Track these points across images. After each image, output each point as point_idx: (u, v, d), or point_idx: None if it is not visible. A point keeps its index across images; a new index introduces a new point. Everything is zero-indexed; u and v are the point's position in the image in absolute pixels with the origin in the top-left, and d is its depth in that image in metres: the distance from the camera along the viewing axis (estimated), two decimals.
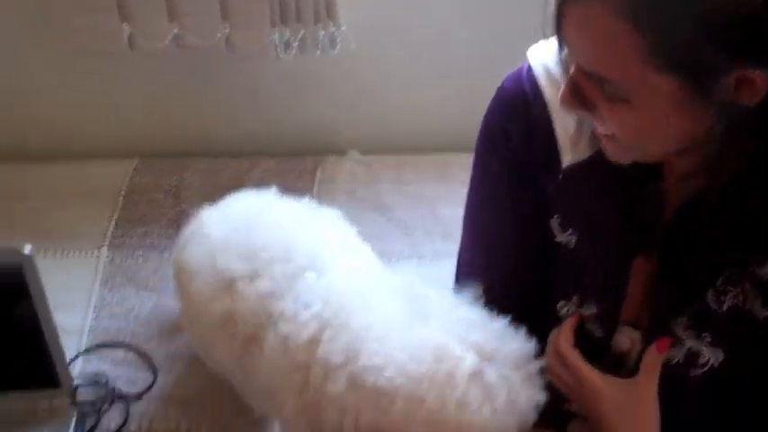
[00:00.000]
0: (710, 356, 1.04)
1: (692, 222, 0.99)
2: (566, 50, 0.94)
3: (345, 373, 1.09)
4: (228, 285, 1.26)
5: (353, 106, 2.12)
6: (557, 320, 1.15)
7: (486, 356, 1.06)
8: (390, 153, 2.11)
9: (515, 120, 1.11)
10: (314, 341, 1.13)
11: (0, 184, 2.03)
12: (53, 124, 2.14)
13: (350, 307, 1.15)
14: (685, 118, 0.88)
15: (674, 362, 1.06)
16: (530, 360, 1.08)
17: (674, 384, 1.07)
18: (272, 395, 1.22)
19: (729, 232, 0.96)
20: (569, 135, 1.06)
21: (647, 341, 1.06)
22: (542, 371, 1.08)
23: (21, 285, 1.37)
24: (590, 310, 1.13)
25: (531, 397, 1.07)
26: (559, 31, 0.90)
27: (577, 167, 1.06)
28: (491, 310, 1.13)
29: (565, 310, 1.15)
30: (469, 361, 1.05)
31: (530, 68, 1.09)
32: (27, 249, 1.35)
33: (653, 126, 0.90)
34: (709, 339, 1.03)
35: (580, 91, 0.92)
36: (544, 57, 1.08)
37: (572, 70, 0.92)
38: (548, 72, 1.07)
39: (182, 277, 1.39)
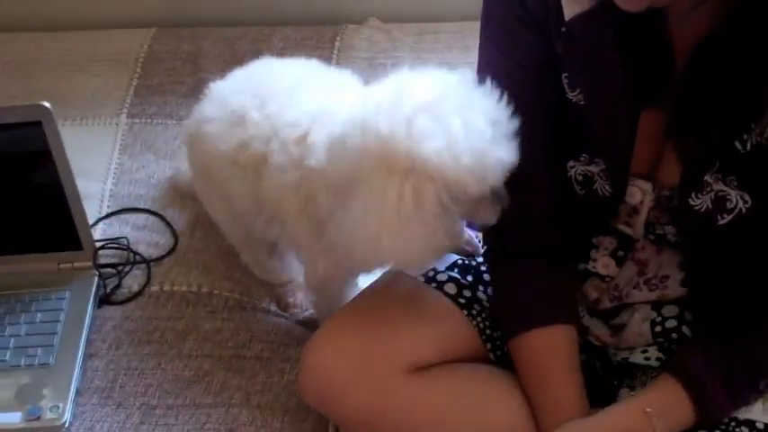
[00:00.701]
0: (738, 201, 1.03)
1: (707, 65, 0.97)
2: None
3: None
4: (241, 119, 1.29)
5: None
6: (567, 179, 1.15)
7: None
8: (410, 21, 2.08)
9: None
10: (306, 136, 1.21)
11: (19, 53, 2.02)
12: None
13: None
14: None
15: (703, 209, 1.05)
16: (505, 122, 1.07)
17: (701, 235, 1.07)
18: (280, 209, 1.27)
19: (751, 69, 0.94)
20: None
21: (682, 195, 1.06)
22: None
23: (41, 141, 1.38)
24: (599, 167, 1.12)
25: (498, 155, 1.06)
26: None
27: (580, 19, 1.04)
28: None
29: (573, 169, 1.15)
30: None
31: None
32: (46, 104, 1.36)
33: None
34: (735, 182, 1.02)
35: None
36: None
37: None
38: None
39: (198, 132, 1.39)
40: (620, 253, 1.19)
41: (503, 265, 1.24)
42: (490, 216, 1.14)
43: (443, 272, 1.29)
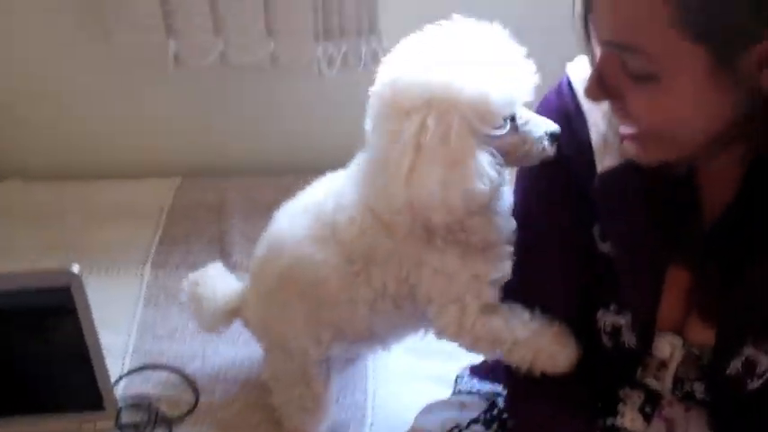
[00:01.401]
0: None
1: (737, 225, 0.98)
2: (592, 41, 0.94)
3: None
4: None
5: None
6: (596, 330, 1.14)
7: None
8: None
9: (561, 127, 1.11)
10: None
11: (46, 202, 2.06)
12: (98, 143, 2.17)
13: None
14: (711, 98, 0.86)
15: (733, 372, 1.04)
16: None
17: (731, 398, 1.06)
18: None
19: None
20: (604, 141, 1.06)
21: (718, 359, 1.05)
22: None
23: (69, 305, 1.39)
24: (626, 319, 1.11)
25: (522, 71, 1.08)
26: (587, 12, 0.91)
27: (611, 174, 1.05)
28: None
29: (603, 320, 1.13)
30: None
31: (569, 81, 1.10)
32: (75, 269, 1.37)
33: (680, 105, 0.88)
34: (765, 347, 1.01)
35: (605, 79, 0.92)
36: (581, 71, 1.08)
37: (597, 57, 0.92)
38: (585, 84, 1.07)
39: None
40: (648, 409, 1.17)
41: (523, 413, 1.23)
42: (532, 154, 1.11)
43: (467, 428, 1.28)
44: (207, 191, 2.06)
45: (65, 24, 1.99)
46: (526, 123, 1.10)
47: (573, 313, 1.17)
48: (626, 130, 0.97)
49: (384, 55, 1.77)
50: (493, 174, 1.08)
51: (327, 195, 1.30)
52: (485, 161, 1.07)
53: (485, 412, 1.31)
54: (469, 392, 1.37)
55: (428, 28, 1.12)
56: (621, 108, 0.93)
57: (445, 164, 1.05)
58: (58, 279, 1.38)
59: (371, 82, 1.98)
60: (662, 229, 1.04)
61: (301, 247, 1.29)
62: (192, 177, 2.12)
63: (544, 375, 1.18)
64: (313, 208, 1.32)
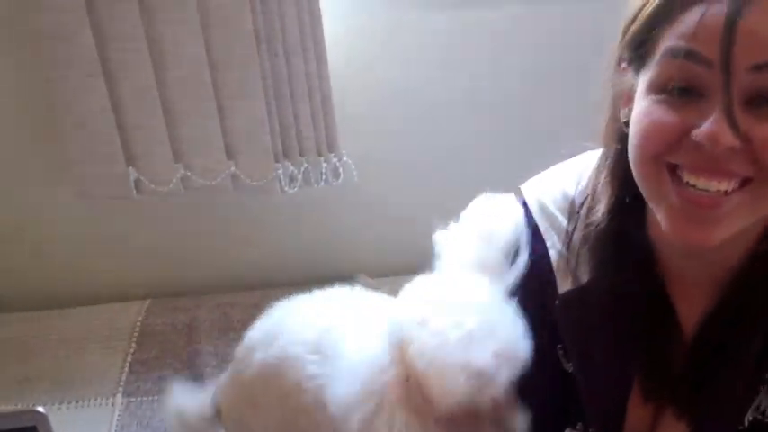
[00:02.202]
0: None
1: (717, 332, 0.99)
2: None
3: None
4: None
5: (357, 231, 2.16)
6: None
7: None
8: (398, 274, 2.13)
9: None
10: None
11: (16, 332, 2.06)
12: (66, 269, 2.19)
13: None
14: None
15: None
16: None
17: None
18: None
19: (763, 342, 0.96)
20: (565, 262, 1.07)
21: None
22: None
23: None
24: None
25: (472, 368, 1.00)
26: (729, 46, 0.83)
27: (573, 294, 1.06)
28: None
29: None
30: None
31: (524, 202, 1.12)
32: (40, 409, 1.36)
33: None
34: None
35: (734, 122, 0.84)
36: (537, 192, 1.10)
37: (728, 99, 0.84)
38: (541, 206, 1.10)
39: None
40: None
41: None
42: None
43: None
44: (177, 311, 2.07)
45: (24, 155, 2.03)
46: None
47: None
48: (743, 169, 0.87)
49: (343, 170, 1.84)
50: None
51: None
52: None
53: None
54: None
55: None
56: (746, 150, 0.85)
57: None
58: (24, 419, 1.38)
59: (335, 196, 2.04)
60: (629, 346, 1.04)
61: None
62: (162, 298, 2.13)
63: None
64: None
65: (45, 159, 2.02)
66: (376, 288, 2.07)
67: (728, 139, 0.83)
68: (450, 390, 0.99)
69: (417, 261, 2.09)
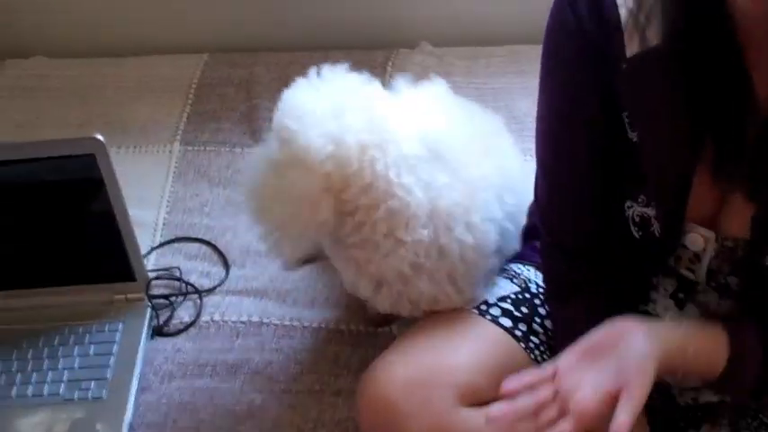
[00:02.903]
0: None
1: None
2: None
3: None
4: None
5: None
6: (624, 221, 1.11)
7: None
8: (462, 44, 2.06)
9: (587, 7, 1.03)
10: None
11: (74, 79, 2.05)
12: (123, 18, 2.13)
13: None
14: None
15: None
16: None
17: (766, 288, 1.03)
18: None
19: None
20: (634, 21, 1.00)
21: (754, 252, 1.02)
22: None
23: (95, 174, 1.39)
24: (654, 211, 1.08)
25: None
26: None
27: (642, 57, 1.00)
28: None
29: (631, 209, 1.11)
30: None
31: None
32: (99, 136, 1.36)
33: None
34: None
35: None
36: None
37: None
38: None
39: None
40: (681, 295, 1.15)
41: (559, 303, 1.22)
42: None
43: (494, 304, 1.28)
44: (234, 66, 2.03)
45: None
46: None
47: (602, 201, 1.14)
48: None
49: None
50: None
51: None
52: None
53: (516, 294, 1.31)
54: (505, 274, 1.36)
55: None
56: None
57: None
58: (83, 146, 1.37)
59: None
60: (701, 116, 0.98)
61: None
62: (220, 53, 2.08)
63: (583, 274, 1.17)
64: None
65: None
66: (438, 56, 2.02)
67: None
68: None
69: (485, 28, 2.05)
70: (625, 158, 1.08)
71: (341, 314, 1.54)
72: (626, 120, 1.05)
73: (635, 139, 1.05)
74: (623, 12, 1.00)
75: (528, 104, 1.67)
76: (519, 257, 1.37)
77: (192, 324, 1.52)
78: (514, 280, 1.34)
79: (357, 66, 1.96)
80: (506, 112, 1.82)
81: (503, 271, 1.36)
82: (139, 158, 1.84)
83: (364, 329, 1.51)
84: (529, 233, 1.36)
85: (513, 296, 1.30)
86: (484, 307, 1.27)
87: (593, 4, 1.02)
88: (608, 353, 0.99)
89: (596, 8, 1.02)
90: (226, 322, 1.52)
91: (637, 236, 1.11)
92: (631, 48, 1.00)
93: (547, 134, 1.16)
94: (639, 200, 1.09)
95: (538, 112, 1.16)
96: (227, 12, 2.12)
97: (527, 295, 1.31)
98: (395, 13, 2.09)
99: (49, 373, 1.42)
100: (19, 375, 1.42)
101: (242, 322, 1.52)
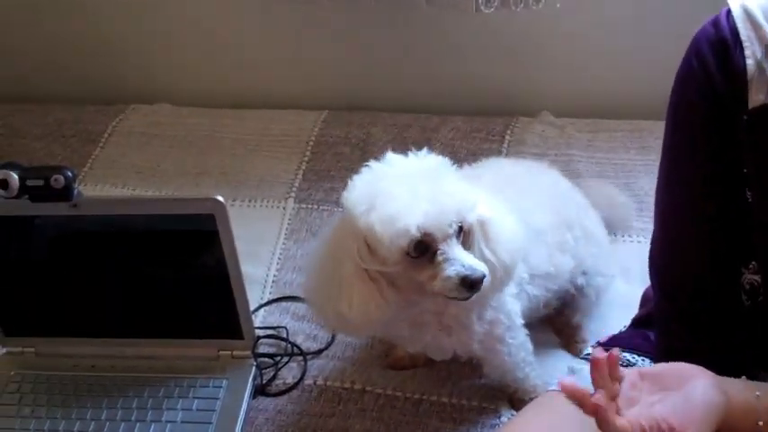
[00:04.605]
0: None
1: None
2: None
3: None
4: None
5: (550, 65, 2.04)
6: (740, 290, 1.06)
7: None
8: (584, 116, 2.02)
9: (714, 56, 1.02)
10: None
11: (195, 127, 2.10)
12: (248, 74, 2.18)
13: None
14: None
15: None
16: None
17: None
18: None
19: None
20: (758, 71, 0.97)
21: None
22: None
23: (212, 234, 1.40)
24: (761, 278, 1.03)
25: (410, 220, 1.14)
26: None
27: (765, 109, 0.96)
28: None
29: (742, 276, 1.06)
30: None
31: (728, 11, 1.02)
32: (220, 198, 1.38)
33: None
34: None
35: None
36: (746, 0, 1.00)
37: None
38: (746, 12, 1.00)
39: None
40: None
41: None
42: (441, 285, 1.17)
43: None
44: (352, 125, 2.04)
45: None
46: (445, 260, 1.16)
47: (720, 263, 1.09)
48: None
49: None
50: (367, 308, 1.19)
51: None
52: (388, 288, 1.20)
53: None
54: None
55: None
56: None
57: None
58: (204, 206, 1.39)
59: (529, 23, 1.93)
60: None
61: None
62: (338, 111, 2.10)
63: (698, 344, 1.11)
64: None
65: None
66: (559, 127, 1.99)
67: None
68: (396, 230, 1.12)
69: (608, 101, 2.01)
70: (742, 219, 1.04)
71: (443, 387, 1.51)
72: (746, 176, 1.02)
73: (750, 199, 1.02)
74: (750, 62, 0.98)
75: (649, 182, 1.64)
76: (633, 347, 1.33)
77: (295, 386, 1.51)
78: (628, 368, 1.29)
79: (474, 133, 1.98)
80: (626, 190, 1.78)
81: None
82: (254, 213, 1.86)
83: (467, 404, 1.47)
84: (641, 322, 1.32)
85: None
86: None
87: (720, 52, 1.01)
88: (674, 387, 0.95)
89: (723, 57, 1.00)
90: (329, 387, 1.51)
91: (747, 304, 1.06)
92: (755, 99, 0.97)
93: (667, 187, 1.12)
94: (750, 266, 1.05)
95: (660, 165, 1.12)
96: (348, 70, 2.14)
97: None
98: (517, 80, 2.08)
99: (153, 425, 1.42)
100: (123, 424, 1.43)
101: (344, 388, 1.50)
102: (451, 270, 1.15)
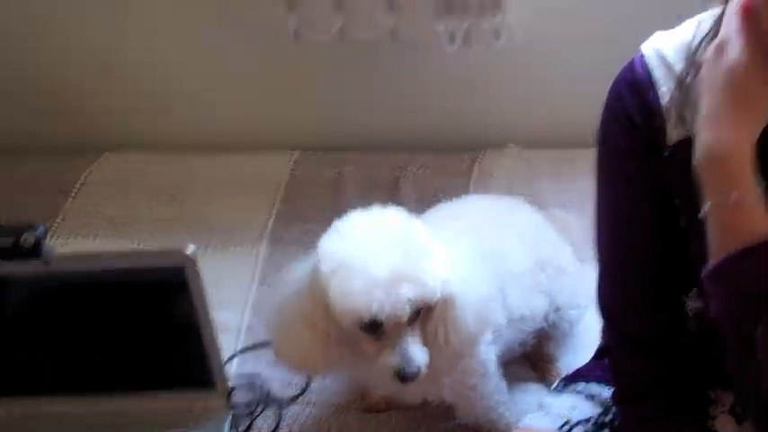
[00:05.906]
0: None
1: None
2: None
3: None
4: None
5: (513, 99, 2.07)
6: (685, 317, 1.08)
7: None
8: (549, 147, 2.04)
9: (632, 97, 1.04)
10: None
11: (167, 175, 2.10)
12: (215, 115, 2.19)
13: None
14: None
15: None
16: None
17: None
18: None
19: None
20: (675, 110, 1.00)
21: None
22: None
23: (182, 285, 1.40)
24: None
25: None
26: None
27: (684, 145, 0.97)
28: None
29: (688, 306, 1.07)
30: None
31: (642, 55, 1.05)
32: (190, 250, 1.37)
33: None
34: None
35: None
36: (657, 44, 1.04)
37: None
38: (658, 55, 1.03)
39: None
40: (739, 409, 1.10)
41: (628, 405, 1.18)
42: (379, 368, 1.21)
43: (577, 425, 1.24)
44: (324, 166, 2.05)
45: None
46: (389, 345, 1.19)
47: (663, 292, 1.10)
48: None
49: (507, 32, 1.73)
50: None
51: None
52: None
53: (599, 415, 1.26)
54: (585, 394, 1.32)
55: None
56: None
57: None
58: (173, 259, 1.39)
59: (494, 59, 1.94)
60: None
61: None
62: (309, 152, 2.11)
63: (650, 373, 1.13)
64: None
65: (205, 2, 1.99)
66: (524, 159, 2.01)
67: None
68: (351, 300, 1.15)
69: (573, 132, 2.03)
70: (678, 247, 1.05)
71: (418, 428, 1.51)
72: (678, 205, 1.04)
73: (683, 225, 1.03)
74: (665, 101, 1.01)
75: None
76: (598, 378, 1.34)
77: None
78: (595, 399, 1.30)
79: (443, 167, 1.99)
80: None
81: (582, 392, 1.32)
82: (227, 258, 1.85)
83: None
84: (603, 352, 1.33)
85: (595, 419, 1.26)
86: (566, 428, 1.24)
87: (637, 93, 1.03)
88: None
89: (641, 97, 1.03)
90: None
91: (694, 330, 1.08)
92: (673, 134, 1.00)
93: (604, 225, 1.13)
94: (690, 294, 1.06)
95: (595, 203, 1.13)
96: (317, 111, 2.15)
97: (609, 417, 1.26)
98: (483, 114, 2.10)
99: None
100: None
101: None
102: (391, 359, 1.19)
